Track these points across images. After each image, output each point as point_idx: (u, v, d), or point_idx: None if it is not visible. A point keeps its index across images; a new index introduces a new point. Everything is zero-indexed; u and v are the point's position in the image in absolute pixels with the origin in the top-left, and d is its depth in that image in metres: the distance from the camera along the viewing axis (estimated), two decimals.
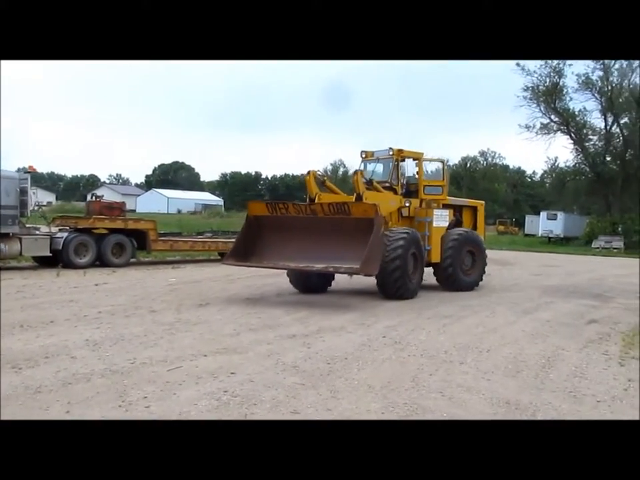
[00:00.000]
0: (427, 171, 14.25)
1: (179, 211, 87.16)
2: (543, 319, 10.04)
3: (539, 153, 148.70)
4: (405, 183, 14.15)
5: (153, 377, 5.94)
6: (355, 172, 12.91)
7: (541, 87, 46.40)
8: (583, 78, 45.14)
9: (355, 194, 12.40)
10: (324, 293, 13.04)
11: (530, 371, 6.53)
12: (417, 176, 14.21)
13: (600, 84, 45.61)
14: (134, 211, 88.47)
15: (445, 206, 14.30)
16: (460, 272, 13.68)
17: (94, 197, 20.68)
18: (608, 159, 49.22)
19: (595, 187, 49.42)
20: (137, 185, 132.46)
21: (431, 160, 14.74)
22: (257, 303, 11.12)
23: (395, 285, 11.75)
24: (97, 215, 18.48)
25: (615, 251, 40.65)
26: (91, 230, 17.84)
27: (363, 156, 14.32)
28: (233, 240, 22.29)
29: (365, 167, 14.38)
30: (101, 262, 17.74)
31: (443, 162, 15.12)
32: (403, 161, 14.10)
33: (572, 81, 46.96)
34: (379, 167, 14.32)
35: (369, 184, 13.27)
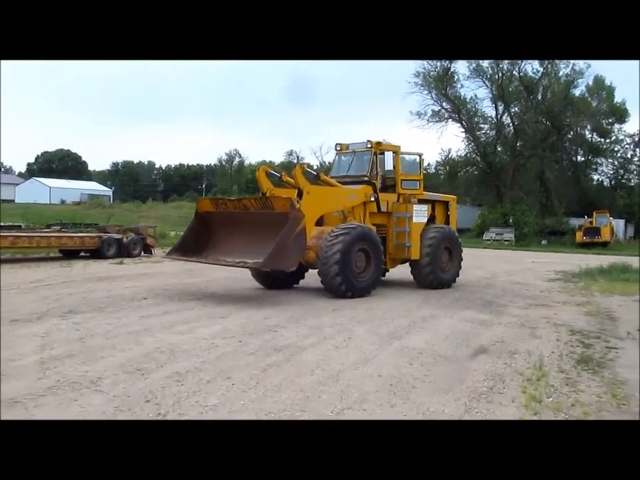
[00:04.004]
0: (404, 165, 13.68)
1: (63, 202, 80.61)
2: (415, 348, 7.14)
3: (433, 145, 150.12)
4: (382, 176, 13.35)
5: None
6: (295, 165, 12.31)
7: (432, 73, 44.81)
8: (474, 65, 43.90)
9: (296, 189, 11.67)
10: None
11: None
12: (393, 169, 13.57)
13: (490, 71, 44.65)
14: (12, 201, 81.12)
15: (421, 201, 13.69)
16: (438, 269, 13.25)
17: None
18: (499, 148, 48.68)
19: (487, 178, 48.75)
20: (20, 174, 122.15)
21: (408, 153, 14.02)
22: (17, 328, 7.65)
23: (335, 284, 11.03)
24: None
25: (506, 243, 39.72)
26: None
27: (338, 148, 13.86)
28: (74, 235, 19.34)
29: (340, 160, 14.00)
30: None
31: (419, 155, 14.26)
32: (382, 154, 13.31)
33: (463, 67, 45.73)
34: (355, 160, 13.62)
35: (316, 178, 12.67)
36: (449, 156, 54.75)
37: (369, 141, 13.03)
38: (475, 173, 51.37)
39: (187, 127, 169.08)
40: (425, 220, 13.44)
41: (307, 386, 5.45)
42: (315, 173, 12.96)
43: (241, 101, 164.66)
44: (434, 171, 72.91)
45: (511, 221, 42.72)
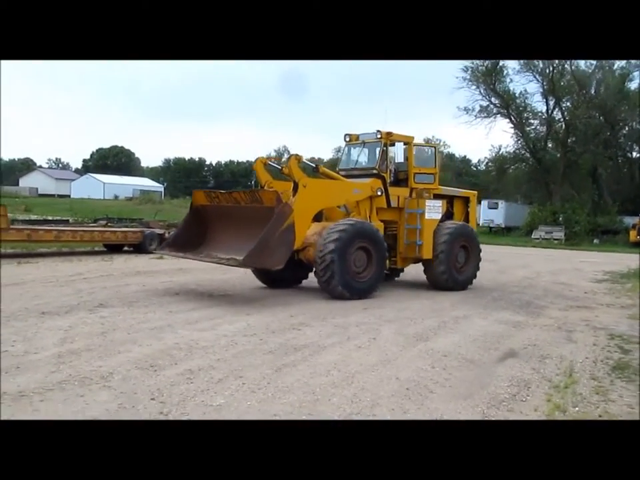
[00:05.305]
0: (417, 157, 12.82)
1: (116, 197, 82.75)
2: (440, 350, 6.87)
3: (484, 142, 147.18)
4: (393, 169, 12.53)
5: None
6: (290, 157, 11.38)
7: (480, 68, 43.75)
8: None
9: (292, 182, 10.99)
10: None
11: None
12: (406, 162, 12.74)
13: (541, 65, 43.28)
14: (68, 196, 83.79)
15: (437, 196, 12.87)
16: (453, 269, 12.38)
17: None
18: (549, 144, 47.23)
19: (536, 174, 47.41)
20: (76, 170, 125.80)
21: (422, 145, 13.35)
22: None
23: (330, 284, 10.39)
24: None
25: (556, 242, 38.52)
26: None
27: (347, 140, 13.09)
28: (117, 230, 19.65)
29: (349, 151, 13.26)
30: None
31: (435, 147, 13.61)
32: (392, 145, 12.50)
33: (513, 62, 44.47)
34: (364, 152, 12.86)
35: (316, 170, 11.88)
36: (499, 152, 53.52)
37: (378, 131, 12.23)
38: (524, 169, 50.02)
39: (237, 124, 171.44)
40: (439, 216, 12.54)
41: (319, 388, 5.27)
42: (313, 165, 12.19)
43: (289, 98, 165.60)
44: (484, 168, 71.61)
45: (561, 219, 41.37)
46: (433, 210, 12.36)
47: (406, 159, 12.68)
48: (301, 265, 11.32)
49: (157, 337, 7.06)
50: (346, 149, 13.36)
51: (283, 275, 11.28)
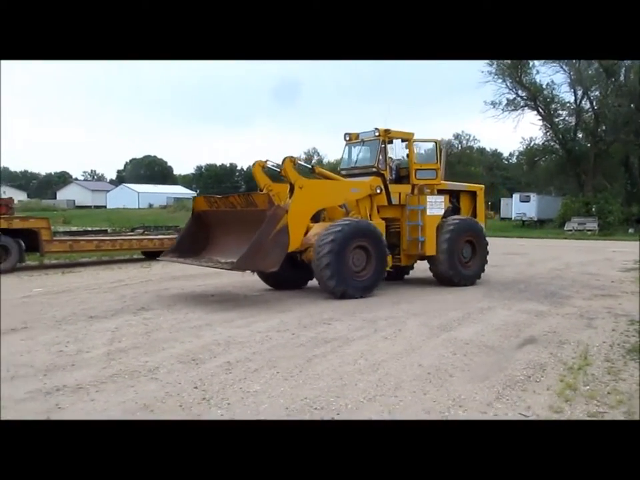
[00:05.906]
0: (418, 153, 12.81)
1: (150, 206, 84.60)
2: (462, 339, 7.24)
3: (515, 134, 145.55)
4: (394, 167, 12.63)
5: None
6: (285, 159, 11.11)
7: (506, 61, 43.59)
8: None
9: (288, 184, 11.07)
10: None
11: None
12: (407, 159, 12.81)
13: None
14: (104, 207, 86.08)
15: (441, 192, 12.88)
16: (459, 264, 12.32)
17: None
18: (579, 135, 46.75)
19: (567, 166, 46.97)
20: (111, 181, 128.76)
21: (422, 140, 13.13)
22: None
23: (329, 285, 10.44)
24: None
25: (589, 233, 38.22)
26: None
27: (347, 139, 13.08)
28: (154, 237, 20.36)
29: (350, 150, 13.20)
30: None
31: (436, 142, 13.14)
32: (391, 142, 12.56)
33: None
34: (365, 151, 12.78)
35: (312, 171, 12.20)
36: (531, 145, 53.16)
37: (376, 128, 12.21)
38: (555, 160, 49.56)
39: (267, 128, 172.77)
40: (442, 212, 12.42)
41: (347, 374, 5.71)
42: (309, 166, 12.45)
43: (318, 98, 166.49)
44: (515, 161, 71.04)
45: (593, 209, 41.01)
46: (435, 206, 12.31)
47: (407, 155, 12.73)
48: (303, 266, 11.40)
49: (196, 335, 7.59)
50: (346, 148, 13.29)
51: (287, 277, 11.56)
